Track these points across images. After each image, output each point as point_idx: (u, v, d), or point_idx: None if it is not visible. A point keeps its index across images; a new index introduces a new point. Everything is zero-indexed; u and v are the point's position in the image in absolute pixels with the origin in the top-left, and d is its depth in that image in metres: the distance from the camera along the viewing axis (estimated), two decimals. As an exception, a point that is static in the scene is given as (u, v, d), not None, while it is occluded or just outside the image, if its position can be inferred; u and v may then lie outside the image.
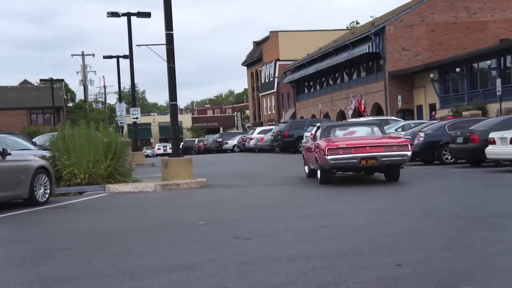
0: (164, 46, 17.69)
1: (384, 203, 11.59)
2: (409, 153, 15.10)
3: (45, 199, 13.54)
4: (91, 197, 14.90)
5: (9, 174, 12.56)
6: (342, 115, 51.43)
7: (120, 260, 7.12)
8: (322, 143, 15.53)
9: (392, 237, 7.93)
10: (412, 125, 26.87)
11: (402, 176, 15.76)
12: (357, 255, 6.91)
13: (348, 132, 17.03)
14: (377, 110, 46.47)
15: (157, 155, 51.70)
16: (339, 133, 16.87)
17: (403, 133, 23.77)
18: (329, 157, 14.60)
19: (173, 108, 17.55)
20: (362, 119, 32.88)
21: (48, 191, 13.69)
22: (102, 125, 18.92)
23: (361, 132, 16.96)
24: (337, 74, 55.02)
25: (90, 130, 17.16)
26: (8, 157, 12.62)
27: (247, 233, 8.62)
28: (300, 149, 25.71)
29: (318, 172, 15.97)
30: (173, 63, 17.21)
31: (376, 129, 16.97)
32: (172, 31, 17.16)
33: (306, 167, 18.57)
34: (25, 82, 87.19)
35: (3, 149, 12.66)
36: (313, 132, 20.16)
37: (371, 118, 33.82)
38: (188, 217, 10.65)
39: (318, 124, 20.26)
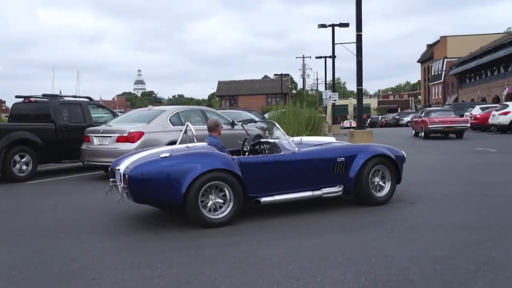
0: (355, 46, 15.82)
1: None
2: (468, 125, 20.24)
3: (261, 157, 12.76)
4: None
5: (234, 139, 11.99)
6: (497, 99, 44.36)
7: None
8: (426, 119, 20.36)
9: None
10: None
11: None
12: (523, 230, 4.77)
13: (438, 113, 20.91)
14: (529, 95, 39.29)
15: (344, 128, 49.49)
16: (433, 114, 20.86)
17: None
18: (430, 126, 19.78)
19: (358, 91, 15.68)
20: (446, 106, 34.02)
21: (264, 152, 12.91)
22: (305, 105, 17.68)
23: (445, 113, 21.02)
24: (494, 67, 47.63)
25: (296, 108, 16.15)
26: (235, 127, 12.02)
27: (412, 197, 6.76)
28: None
29: (422, 133, 20.69)
30: (361, 57, 15.30)
31: (452, 113, 21.13)
32: (361, 32, 15.22)
33: (413, 131, 23.09)
34: (265, 76, 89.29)
35: (232, 121, 12.11)
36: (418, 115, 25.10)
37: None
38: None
39: (423, 110, 24.75)
